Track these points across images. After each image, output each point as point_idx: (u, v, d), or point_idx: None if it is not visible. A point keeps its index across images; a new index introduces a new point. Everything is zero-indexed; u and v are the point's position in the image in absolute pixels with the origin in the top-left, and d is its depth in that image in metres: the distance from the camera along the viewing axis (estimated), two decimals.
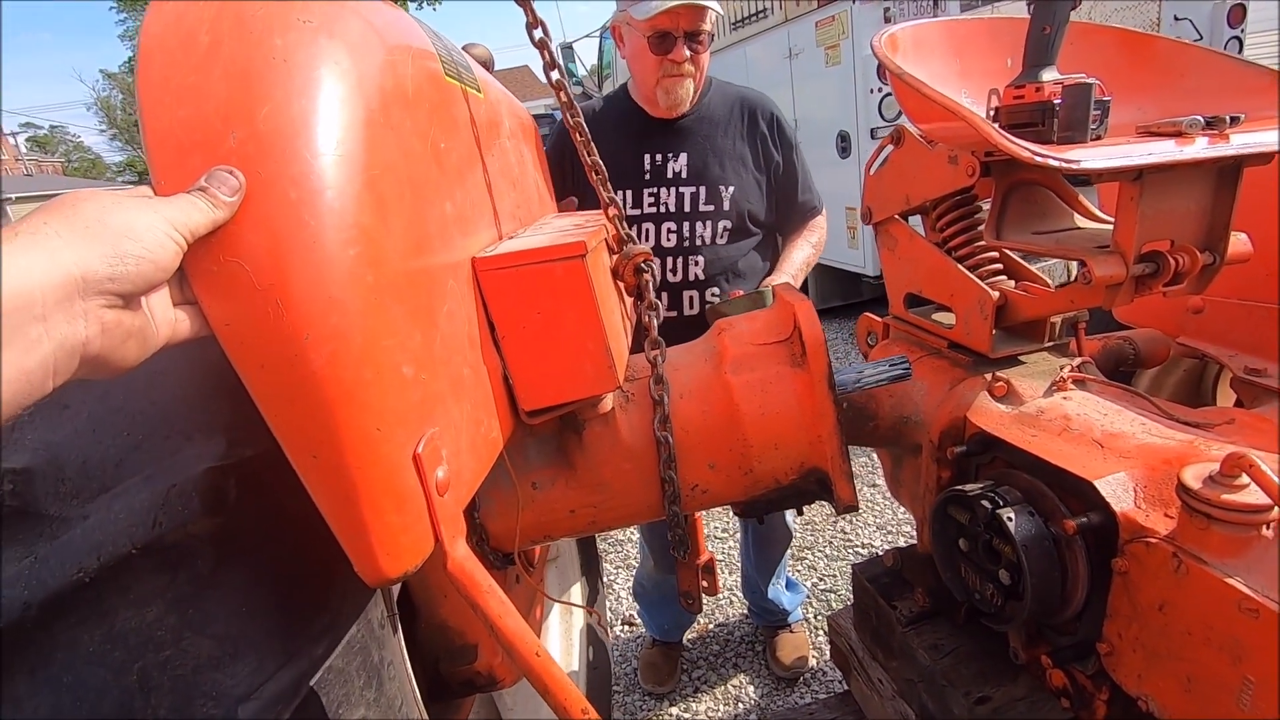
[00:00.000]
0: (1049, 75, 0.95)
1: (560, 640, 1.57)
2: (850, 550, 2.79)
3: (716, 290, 1.94)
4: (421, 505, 0.62)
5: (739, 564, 2.70)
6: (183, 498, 0.61)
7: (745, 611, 2.53)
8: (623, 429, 1.05)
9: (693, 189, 1.90)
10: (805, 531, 2.93)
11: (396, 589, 0.86)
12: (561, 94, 0.99)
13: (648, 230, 1.91)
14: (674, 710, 2.17)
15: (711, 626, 2.53)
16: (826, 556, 2.77)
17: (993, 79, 1.13)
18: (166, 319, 0.51)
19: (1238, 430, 0.97)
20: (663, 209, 1.90)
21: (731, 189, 1.91)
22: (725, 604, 2.59)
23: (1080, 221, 1.09)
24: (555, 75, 0.99)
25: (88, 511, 0.57)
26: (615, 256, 1.07)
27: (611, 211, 1.05)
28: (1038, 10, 0.96)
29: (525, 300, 0.85)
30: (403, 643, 0.84)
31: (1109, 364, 1.41)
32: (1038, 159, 0.75)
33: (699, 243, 1.91)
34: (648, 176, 1.89)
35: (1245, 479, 0.73)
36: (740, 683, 2.24)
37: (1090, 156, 0.76)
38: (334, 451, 0.55)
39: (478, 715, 1.33)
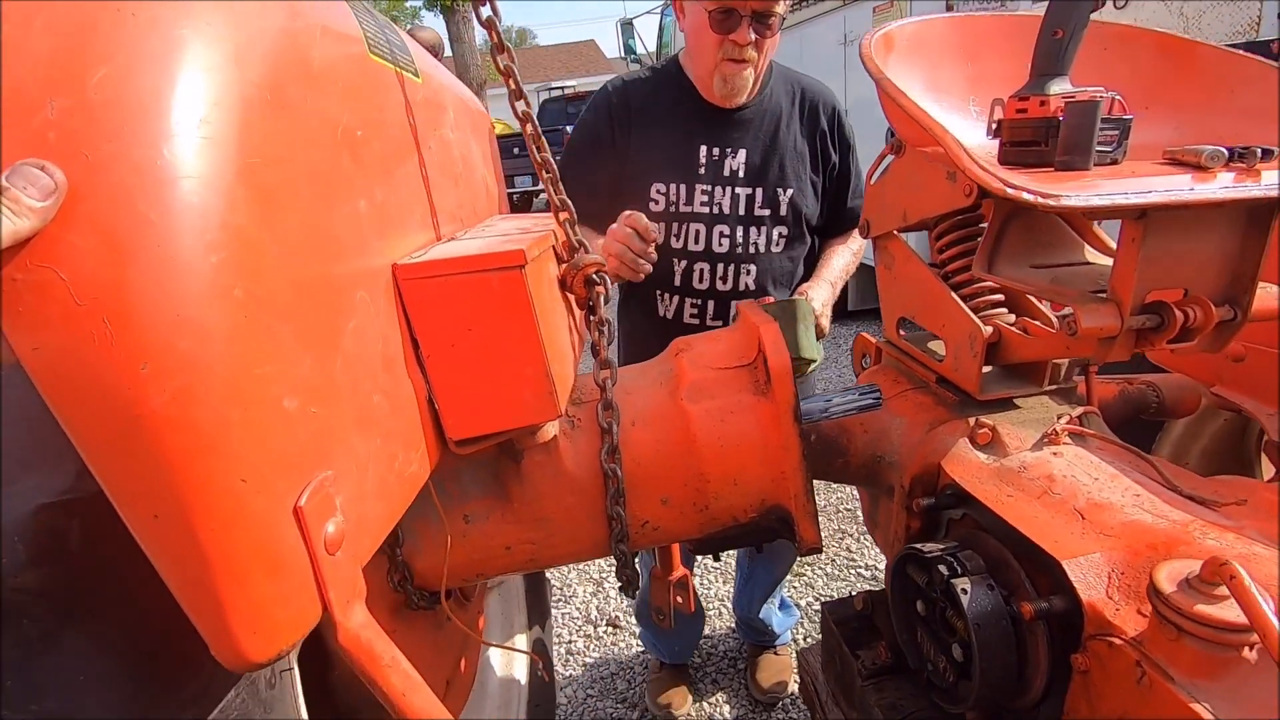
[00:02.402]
0: (1058, 87, 0.82)
1: (500, 672, 1.50)
2: (853, 571, 2.67)
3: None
4: (305, 568, 0.53)
5: (733, 574, 2.60)
6: (6, 544, 0.51)
7: (733, 625, 2.45)
8: (567, 459, 0.96)
9: (749, 190, 1.73)
10: None
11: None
12: (510, 81, 0.90)
13: (697, 232, 1.73)
14: None
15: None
16: (827, 575, 2.65)
17: (1013, 85, 0.99)
18: None
19: (1249, 512, 0.84)
20: (717, 210, 1.72)
21: (790, 191, 1.74)
22: (714, 615, 2.51)
23: (1092, 256, 0.96)
24: (504, 60, 0.90)
25: None
26: (565, 265, 0.98)
27: (563, 216, 0.96)
28: (1052, 10, 0.83)
29: (454, 315, 0.75)
30: (301, 702, 0.76)
31: (1127, 411, 1.27)
32: (1009, 191, 0.63)
33: (752, 250, 1.75)
34: (702, 171, 1.71)
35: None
36: (717, 701, 2.16)
37: (1076, 191, 0.64)
38: (180, 512, 0.45)
39: None
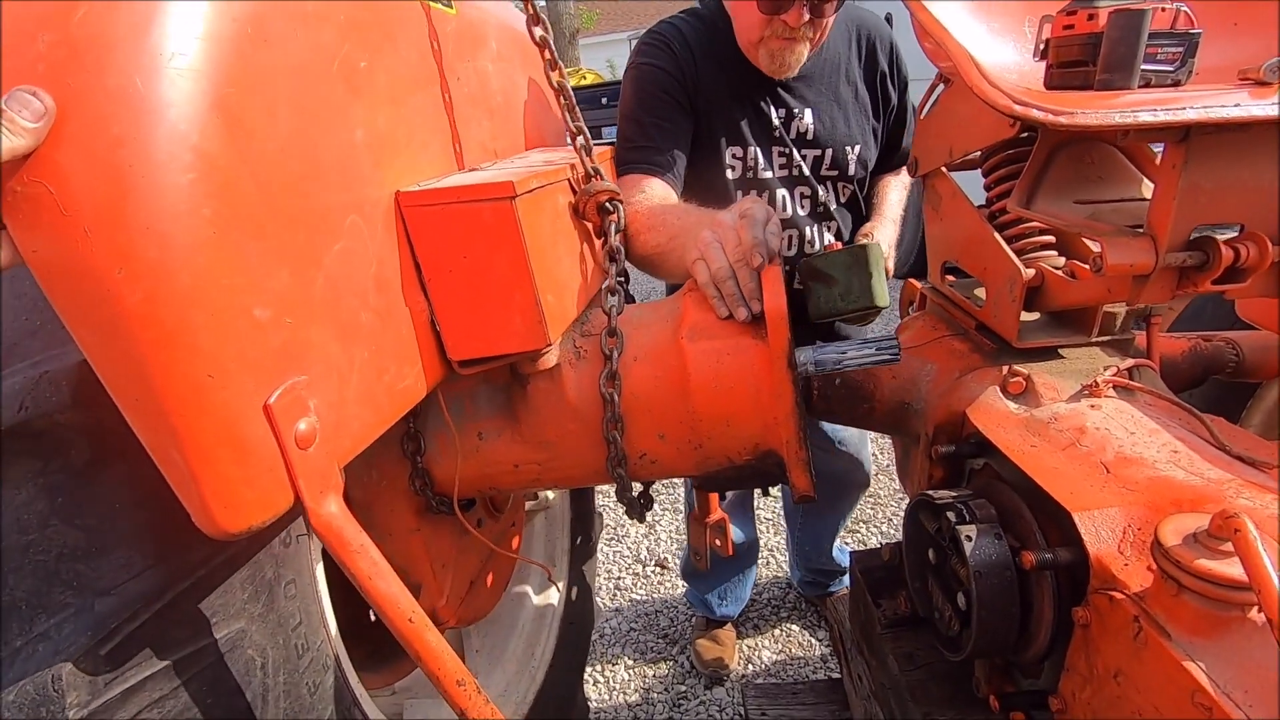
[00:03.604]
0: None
1: (537, 590, 1.57)
2: None
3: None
4: (274, 458, 0.59)
5: (779, 524, 2.59)
6: (52, 385, 0.60)
7: (777, 574, 2.46)
8: (570, 387, 0.98)
9: (818, 152, 1.63)
10: (865, 505, 2.77)
11: None
12: (529, 6, 0.90)
13: (783, 198, 1.63)
14: (682, 658, 2.17)
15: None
16: (881, 534, 2.61)
17: None
18: None
19: None
20: (795, 172, 1.63)
21: (857, 148, 1.64)
22: (762, 564, 2.52)
23: (1150, 193, 0.88)
24: None
25: None
26: (578, 192, 0.99)
27: (579, 142, 0.96)
28: None
29: (452, 242, 0.79)
30: (317, 565, 0.84)
31: (1197, 370, 1.16)
32: (1016, 108, 0.58)
33: (830, 206, 1.68)
34: (777, 134, 1.60)
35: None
36: (758, 646, 2.19)
37: (1095, 108, 0.58)
38: (154, 398, 0.52)
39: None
